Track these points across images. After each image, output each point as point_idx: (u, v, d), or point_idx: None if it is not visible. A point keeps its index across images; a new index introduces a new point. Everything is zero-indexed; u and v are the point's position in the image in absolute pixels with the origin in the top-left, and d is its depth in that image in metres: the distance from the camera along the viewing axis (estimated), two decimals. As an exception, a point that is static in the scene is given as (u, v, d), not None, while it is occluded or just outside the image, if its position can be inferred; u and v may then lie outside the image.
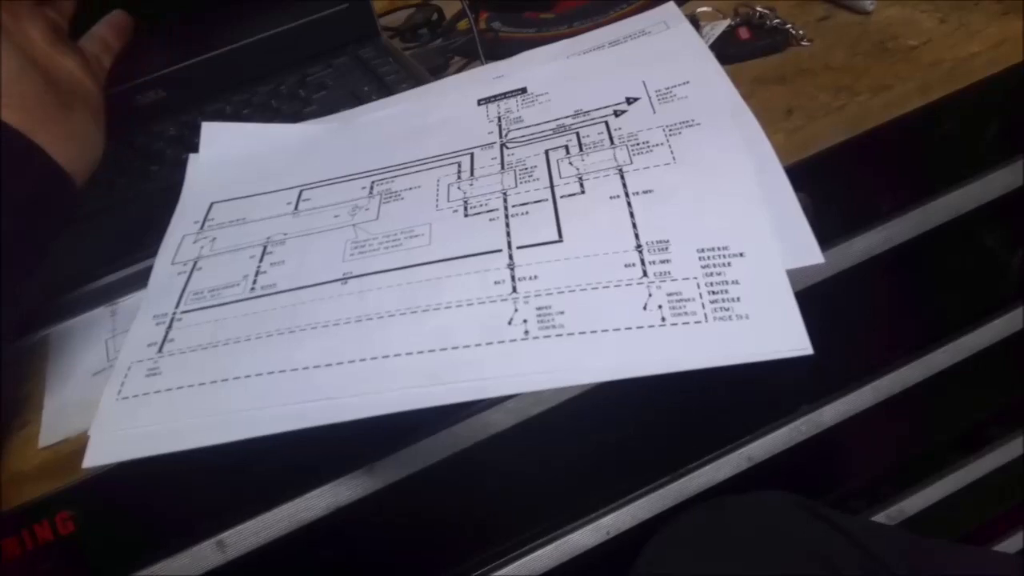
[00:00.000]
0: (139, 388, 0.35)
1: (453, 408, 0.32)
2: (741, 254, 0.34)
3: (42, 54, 0.40)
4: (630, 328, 0.33)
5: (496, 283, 0.36)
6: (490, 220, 0.39)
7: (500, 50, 0.60)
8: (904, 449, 0.74)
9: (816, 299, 0.34)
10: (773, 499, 0.53)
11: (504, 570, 0.54)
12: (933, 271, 0.60)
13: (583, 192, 0.39)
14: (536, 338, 0.33)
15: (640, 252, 0.35)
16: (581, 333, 0.33)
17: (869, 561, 0.49)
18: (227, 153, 0.49)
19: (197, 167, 0.49)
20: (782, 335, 0.31)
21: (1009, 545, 0.83)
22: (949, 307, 0.64)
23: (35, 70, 0.39)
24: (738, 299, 0.32)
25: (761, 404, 0.59)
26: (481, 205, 0.40)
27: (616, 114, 0.43)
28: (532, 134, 0.44)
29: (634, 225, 0.36)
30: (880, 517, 0.72)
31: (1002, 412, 0.75)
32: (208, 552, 0.42)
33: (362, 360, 0.34)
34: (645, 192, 0.38)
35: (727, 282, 0.33)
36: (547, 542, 0.55)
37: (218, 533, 0.43)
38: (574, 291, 0.34)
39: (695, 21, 0.51)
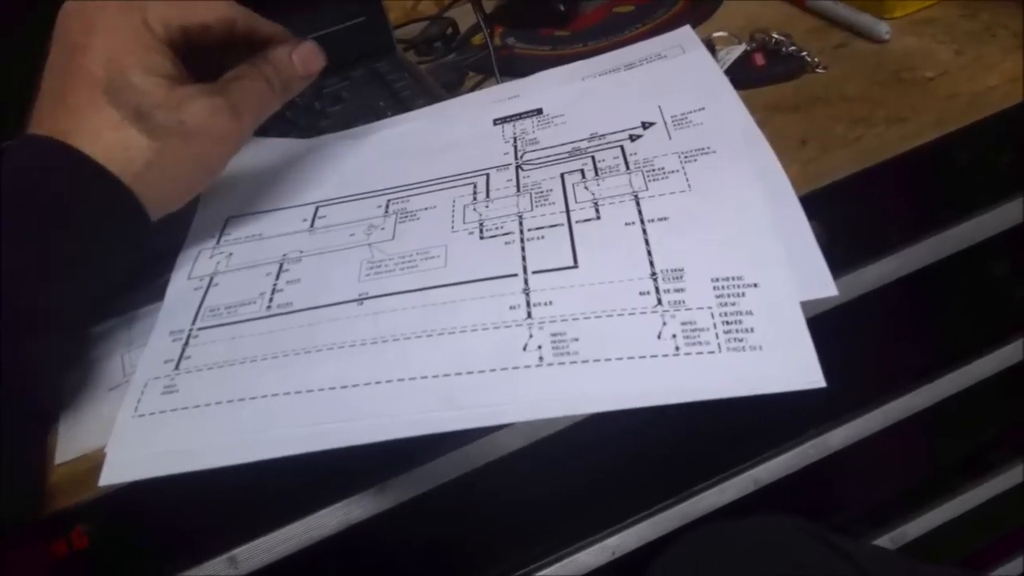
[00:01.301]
0: (156, 406, 0.36)
1: (465, 430, 0.32)
2: (755, 284, 0.34)
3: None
4: (644, 357, 0.33)
5: (511, 308, 0.36)
6: (506, 243, 0.39)
7: (515, 66, 0.60)
8: (908, 473, 0.75)
9: (826, 326, 0.35)
10: (778, 523, 0.53)
11: (510, 587, 0.55)
12: (942, 300, 0.60)
13: (599, 218, 0.39)
14: (551, 364, 0.33)
15: (655, 280, 0.35)
16: (595, 360, 0.33)
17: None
18: (242, 166, 0.49)
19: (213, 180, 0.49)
20: (795, 367, 0.31)
21: (1009, 570, 0.83)
22: (957, 335, 0.64)
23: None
24: (752, 330, 0.33)
25: (769, 427, 0.59)
26: (497, 228, 0.41)
27: (632, 139, 0.44)
28: (548, 156, 0.44)
29: (649, 253, 0.37)
30: (883, 540, 0.72)
31: (1004, 438, 0.76)
32: (220, 568, 0.42)
33: (377, 383, 0.34)
34: (660, 219, 0.38)
35: (741, 312, 0.33)
36: (553, 561, 0.55)
37: (231, 549, 0.43)
38: (589, 318, 0.35)
39: (711, 45, 0.52)
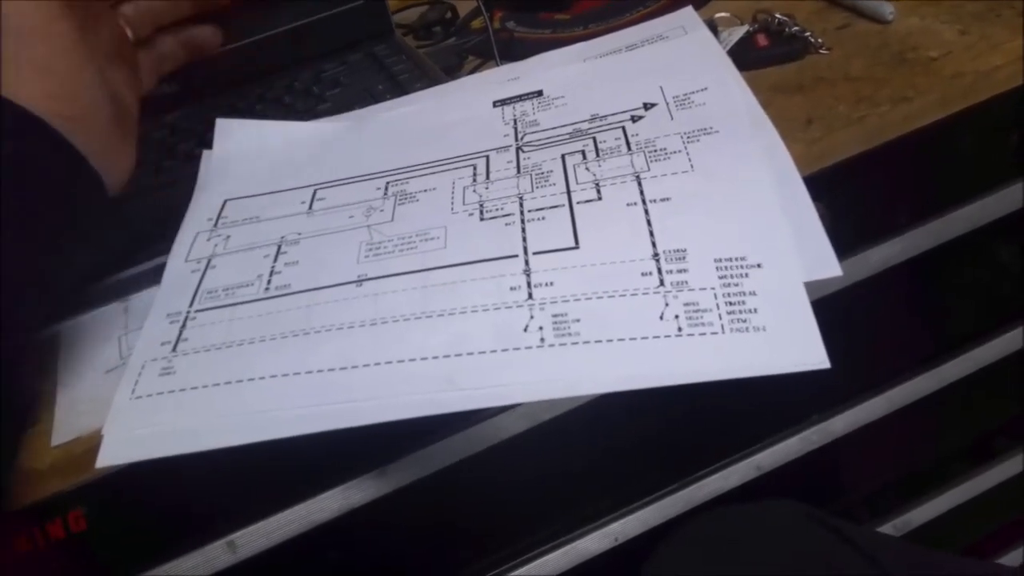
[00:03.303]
0: (153, 387, 0.35)
1: (466, 412, 0.32)
2: (759, 265, 0.34)
3: (103, 58, 0.38)
4: (646, 338, 0.32)
5: (512, 289, 0.36)
6: (506, 224, 0.39)
7: (515, 50, 0.60)
8: (913, 460, 0.75)
9: (830, 309, 0.34)
10: (781, 508, 0.53)
11: (512, 574, 0.54)
12: (947, 283, 0.60)
13: (600, 198, 0.39)
14: (552, 345, 0.33)
15: (657, 261, 0.35)
16: (597, 342, 0.33)
17: (876, 573, 0.49)
18: (241, 150, 0.49)
19: (210, 163, 0.48)
20: (799, 348, 0.31)
21: (1013, 558, 0.83)
22: (961, 320, 0.64)
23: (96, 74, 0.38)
24: (755, 311, 0.32)
25: (771, 413, 0.59)
26: (497, 209, 0.40)
27: (633, 119, 0.43)
28: (548, 138, 0.44)
29: (651, 233, 0.36)
30: (887, 527, 0.72)
31: (1010, 425, 0.76)
32: (219, 552, 0.42)
33: (377, 364, 0.34)
34: (663, 200, 0.38)
35: (744, 293, 0.33)
36: (556, 547, 0.55)
37: (229, 533, 0.43)
38: (590, 299, 0.34)
39: (713, 26, 0.51)
